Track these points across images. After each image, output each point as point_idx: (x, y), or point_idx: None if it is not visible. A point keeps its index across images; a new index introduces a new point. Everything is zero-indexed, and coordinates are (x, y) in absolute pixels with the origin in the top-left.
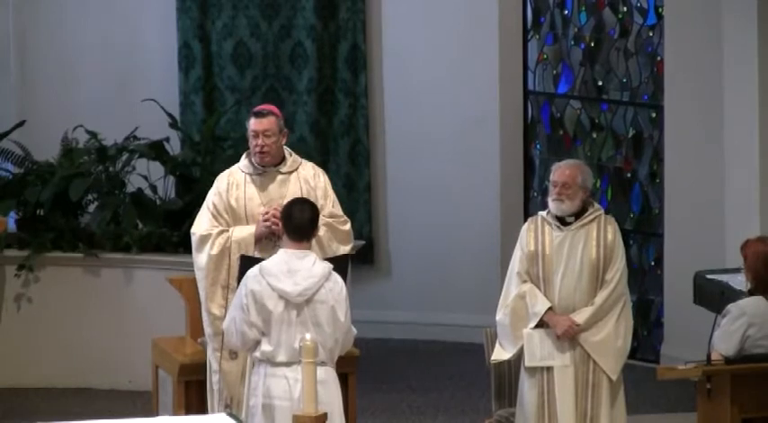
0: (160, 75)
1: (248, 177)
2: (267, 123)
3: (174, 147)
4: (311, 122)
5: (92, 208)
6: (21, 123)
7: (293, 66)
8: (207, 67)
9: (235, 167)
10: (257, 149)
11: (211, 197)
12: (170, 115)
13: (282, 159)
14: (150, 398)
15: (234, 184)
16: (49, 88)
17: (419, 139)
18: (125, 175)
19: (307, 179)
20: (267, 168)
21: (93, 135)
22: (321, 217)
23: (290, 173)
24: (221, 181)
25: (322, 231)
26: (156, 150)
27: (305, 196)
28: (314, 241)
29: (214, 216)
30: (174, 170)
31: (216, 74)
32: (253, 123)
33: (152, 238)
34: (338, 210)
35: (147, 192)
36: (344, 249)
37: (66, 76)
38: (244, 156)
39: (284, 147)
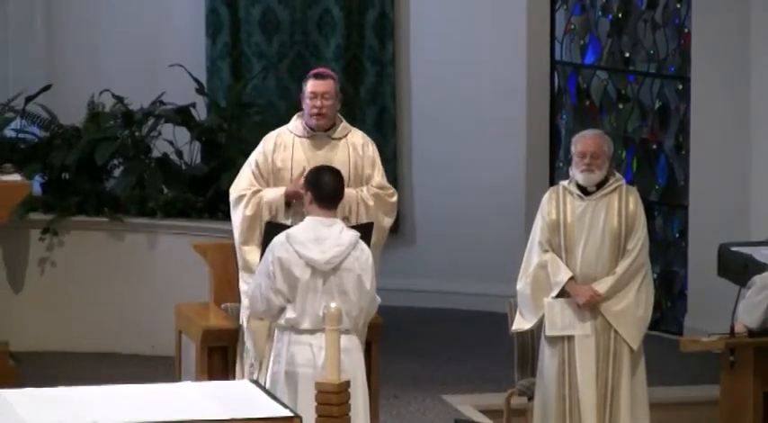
0: (187, 40)
1: (297, 140)
2: (326, 85)
3: (201, 113)
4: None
5: (117, 172)
6: (47, 87)
7: (320, 33)
8: (234, 34)
9: (284, 129)
10: (315, 111)
11: (255, 156)
12: (197, 81)
13: (333, 124)
14: (173, 363)
15: (282, 145)
16: (76, 52)
17: (445, 108)
18: (151, 140)
19: (355, 147)
20: (318, 132)
21: (119, 99)
22: (370, 187)
23: (340, 139)
24: (268, 141)
25: (371, 202)
26: (182, 116)
27: (352, 163)
28: (362, 211)
29: (255, 175)
30: (200, 136)
31: (243, 40)
32: (312, 85)
33: (177, 203)
34: (385, 181)
35: (173, 157)
36: (389, 221)
37: (93, 40)
38: (295, 117)
39: (337, 113)
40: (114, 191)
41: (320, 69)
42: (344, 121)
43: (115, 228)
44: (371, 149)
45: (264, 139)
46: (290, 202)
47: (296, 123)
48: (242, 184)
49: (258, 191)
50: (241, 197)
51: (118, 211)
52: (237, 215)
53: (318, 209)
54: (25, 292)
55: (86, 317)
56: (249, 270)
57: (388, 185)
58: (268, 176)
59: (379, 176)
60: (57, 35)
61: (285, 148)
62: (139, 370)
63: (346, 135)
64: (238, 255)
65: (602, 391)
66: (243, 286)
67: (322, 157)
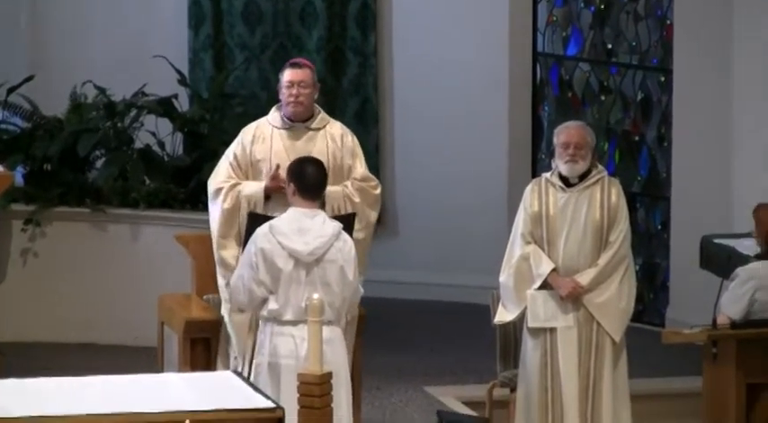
0: (170, 32)
1: (276, 131)
2: (303, 74)
3: (183, 104)
4: (320, 81)
5: (99, 163)
6: (30, 78)
7: (303, 24)
8: (217, 25)
9: (262, 120)
10: (292, 99)
11: (233, 148)
12: (179, 72)
13: (312, 115)
14: (156, 354)
15: (260, 137)
16: (59, 43)
17: (427, 100)
18: (133, 131)
19: (334, 137)
20: (296, 123)
21: (101, 91)
22: (354, 181)
23: (319, 130)
24: (247, 133)
25: (357, 198)
26: (164, 107)
27: (331, 154)
28: (349, 208)
29: (232, 167)
30: (183, 127)
31: (225, 31)
32: (289, 74)
33: (159, 194)
34: (368, 171)
35: (155, 148)
36: (374, 215)
37: (76, 31)
38: (273, 109)
39: (314, 103)
40: (97, 182)
41: (296, 59)
42: (323, 111)
43: (97, 219)
44: (351, 140)
45: (243, 131)
46: (269, 195)
47: (274, 115)
48: (220, 176)
49: (236, 184)
50: (219, 190)
51: (100, 202)
52: (215, 208)
53: (301, 200)
54: (7, 283)
55: (69, 308)
56: (225, 266)
57: (372, 177)
58: (246, 168)
59: (361, 168)
60: (40, 26)
61: (264, 140)
62: (122, 361)
63: (325, 126)
64: (215, 248)
65: (585, 383)
66: (220, 281)
67: (301, 149)
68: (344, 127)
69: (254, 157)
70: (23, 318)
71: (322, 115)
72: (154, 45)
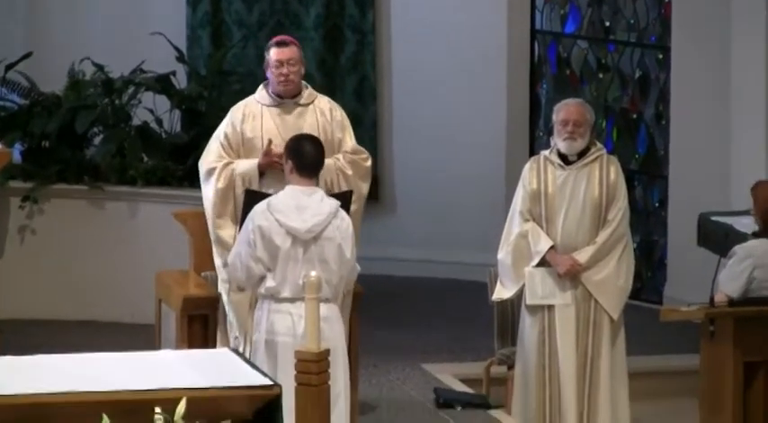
0: (168, 8)
1: (265, 109)
2: (291, 52)
3: (181, 81)
4: (318, 59)
5: (97, 140)
6: (28, 55)
7: (301, 2)
8: (215, 2)
9: (251, 99)
10: (282, 78)
11: (223, 128)
12: (177, 49)
13: (300, 91)
14: (153, 331)
15: (250, 115)
16: (57, 20)
17: (426, 77)
18: (131, 108)
19: (323, 112)
20: (285, 100)
21: (99, 67)
22: (345, 154)
23: (308, 105)
24: (236, 112)
25: (349, 170)
26: (162, 84)
27: (321, 128)
28: (342, 180)
29: (223, 147)
30: (181, 104)
31: (223, 8)
32: (276, 53)
33: (157, 171)
34: (357, 144)
35: (153, 125)
36: (366, 187)
37: (74, 7)
38: (260, 87)
39: (302, 79)
40: (94, 159)
41: (281, 37)
42: (310, 87)
43: (95, 196)
44: (339, 113)
45: (232, 110)
46: (263, 172)
47: (262, 93)
48: (211, 156)
49: (229, 163)
50: (212, 170)
51: (98, 179)
52: (209, 188)
53: (299, 178)
54: (5, 260)
55: (66, 285)
56: (222, 245)
57: (362, 149)
58: (238, 148)
59: (351, 140)
60: (37, 3)
61: (254, 117)
62: (119, 338)
63: (313, 101)
64: (211, 229)
65: (582, 361)
66: (217, 260)
67: (291, 124)
68: (332, 101)
69: (246, 136)
70: (21, 295)
71: (309, 90)
72: (152, 22)
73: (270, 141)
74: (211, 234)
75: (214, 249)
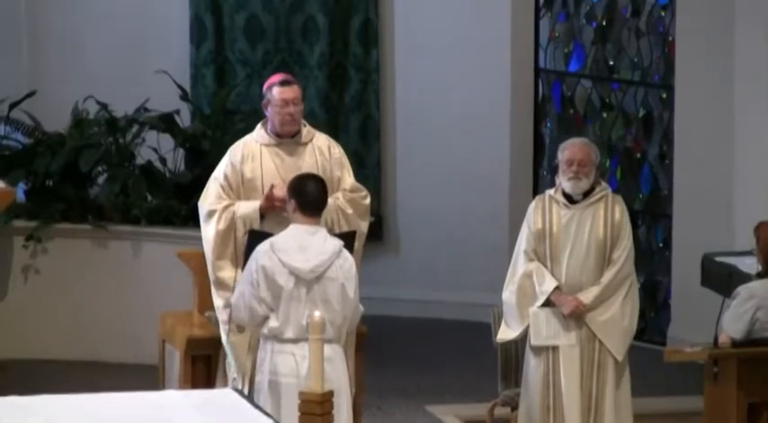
0: (171, 47)
1: (264, 148)
2: (294, 91)
3: (185, 119)
4: (322, 97)
5: (101, 179)
6: (31, 93)
7: (305, 40)
8: (218, 41)
9: (248, 138)
10: (288, 118)
11: (222, 168)
12: (181, 88)
13: (299, 130)
14: (157, 372)
15: (249, 155)
16: (61, 59)
17: (429, 116)
18: (135, 147)
19: (322, 150)
20: (284, 139)
21: (103, 106)
22: (345, 192)
23: (306, 143)
24: (235, 152)
25: (350, 209)
26: (166, 123)
27: (320, 167)
28: (342, 219)
29: (223, 188)
30: (184, 143)
31: (227, 47)
32: (281, 92)
33: (161, 210)
34: (356, 182)
35: (157, 164)
36: (365, 225)
37: (77, 46)
38: (258, 126)
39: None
40: (98, 198)
41: (283, 76)
42: (308, 125)
43: (99, 235)
44: (338, 151)
45: (230, 150)
46: (264, 214)
47: (260, 132)
48: (211, 197)
49: (230, 205)
50: (213, 212)
51: (102, 218)
52: (209, 230)
53: (302, 217)
54: (9, 299)
55: (70, 325)
56: (222, 286)
57: (360, 187)
58: (237, 188)
59: (350, 178)
60: (41, 41)
61: (253, 158)
62: (123, 378)
63: (311, 139)
64: (210, 270)
65: (587, 402)
66: (217, 302)
67: (291, 164)
68: (330, 138)
69: (245, 176)
70: (24, 334)
71: (308, 128)
72: (156, 60)
73: (272, 186)
74: (211, 275)
75: (213, 291)
